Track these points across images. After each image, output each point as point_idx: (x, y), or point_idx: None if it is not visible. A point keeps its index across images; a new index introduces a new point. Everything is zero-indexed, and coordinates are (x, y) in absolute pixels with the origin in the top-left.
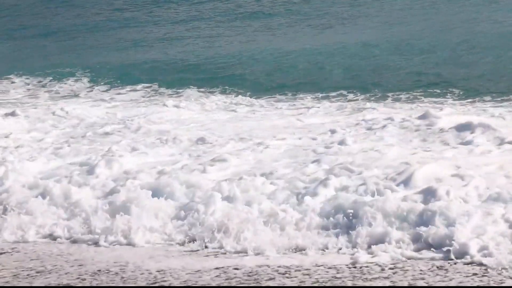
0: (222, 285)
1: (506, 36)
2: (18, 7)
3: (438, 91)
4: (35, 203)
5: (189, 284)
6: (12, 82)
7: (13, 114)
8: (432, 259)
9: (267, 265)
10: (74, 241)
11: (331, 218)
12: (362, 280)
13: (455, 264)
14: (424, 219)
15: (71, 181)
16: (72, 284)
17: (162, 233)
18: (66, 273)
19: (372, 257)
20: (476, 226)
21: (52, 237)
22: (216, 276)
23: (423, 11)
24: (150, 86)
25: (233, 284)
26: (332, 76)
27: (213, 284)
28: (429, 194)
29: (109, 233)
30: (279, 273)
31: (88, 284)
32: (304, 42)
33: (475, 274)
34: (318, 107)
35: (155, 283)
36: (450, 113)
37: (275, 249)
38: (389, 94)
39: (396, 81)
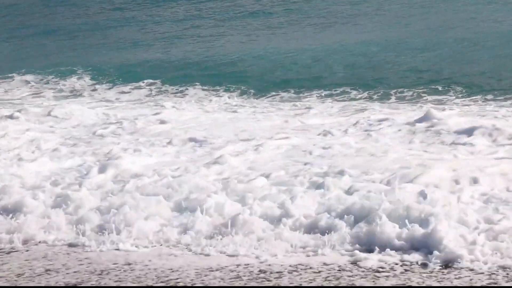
0: (232, 283)
1: (506, 35)
2: (18, 7)
3: (440, 88)
4: (34, 205)
5: (199, 282)
6: (13, 81)
7: (12, 116)
8: (432, 261)
9: (274, 264)
10: (73, 244)
11: (331, 219)
12: (372, 278)
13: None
14: (423, 222)
15: (70, 183)
16: (82, 282)
17: (162, 234)
18: (74, 272)
19: (378, 259)
20: (473, 230)
21: (53, 239)
22: (225, 274)
23: (422, 10)
24: (153, 85)
25: (244, 282)
26: (334, 75)
27: (223, 284)
28: (428, 197)
29: (108, 235)
30: (288, 272)
31: (95, 283)
32: (306, 41)
33: (481, 273)
34: (320, 107)
35: (163, 281)
36: (452, 114)
37: (280, 249)
38: (392, 93)
39: (398, 80)
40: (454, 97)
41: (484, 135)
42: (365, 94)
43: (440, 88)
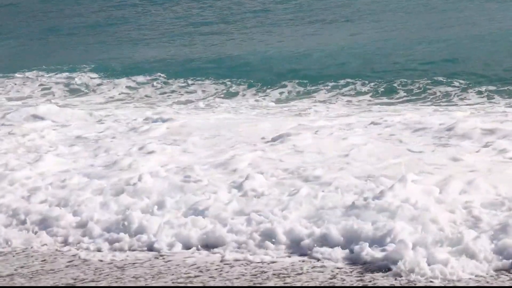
0: (254, 283)
1: (504, 32)
2: (19, 6)
3: (444, 80)
4: (39, 207)
5: (219, 281)
6: (18, 79)
7: (14, 116)
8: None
9: (284, 262)
10: (83, 245)
11: (325, 222)
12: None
13: None
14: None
15: (74, 184)
16: (94, 281)
17: (171, 234)
18: (96, 268)
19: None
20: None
21: (65, 240)
22: (247, 268)
23: (424, 8)
24: (158, 83)
25: (260, 281)
26: (340, 71)
27: (235, 283)
28: (419, 203)
29: (119, 234)
30: (312, 267)
31: (114, 279)
32: (308, 38)
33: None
34: (324, 107)
35: (182, 277)
36: (461, 116)
37: (279, 250)
38: (398, 87)
39: (404, 74)
40: (459, 90)
41: (496, 139)
42: (372, 89)
43: (445, 81)
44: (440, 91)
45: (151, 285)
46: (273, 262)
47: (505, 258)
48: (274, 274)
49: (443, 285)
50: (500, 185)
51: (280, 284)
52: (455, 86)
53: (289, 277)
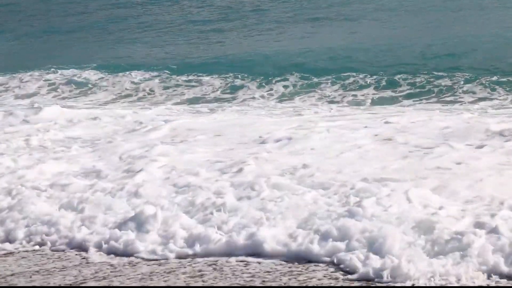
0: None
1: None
2: (20, 5)
3: (447, 74)
4: (46, 208)
5: (236, 275)
6: (23, 78)
7: (17, 117)
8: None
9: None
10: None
11: (320, 224)
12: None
13: None
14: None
15: (80, 185)
16: (110, 275)
17: (184, 237)
18: (110, 265)
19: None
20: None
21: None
22: (256, 268)
23: (423, 5)
24: (162, 78)
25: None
26: (343, 68)
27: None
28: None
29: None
30: (306, 270)
31: (124, 279)
32: (311, 36)
33: None
34: (327, 107)
35: (200, 274)
36: (466, 118)
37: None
38: (402, 85)
39: (408, 71)
40: (462, 82)
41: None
42: (375, 84)
43: (446, 74)
44: (443, 85)
45: (160, 284)
46: (282, 262)
47: (507, 262)
48: (284, 273)
49: (440, 285)
50: (504, 187)
51: (291, 283)
52: (458, 81)
53: (300, 274)
